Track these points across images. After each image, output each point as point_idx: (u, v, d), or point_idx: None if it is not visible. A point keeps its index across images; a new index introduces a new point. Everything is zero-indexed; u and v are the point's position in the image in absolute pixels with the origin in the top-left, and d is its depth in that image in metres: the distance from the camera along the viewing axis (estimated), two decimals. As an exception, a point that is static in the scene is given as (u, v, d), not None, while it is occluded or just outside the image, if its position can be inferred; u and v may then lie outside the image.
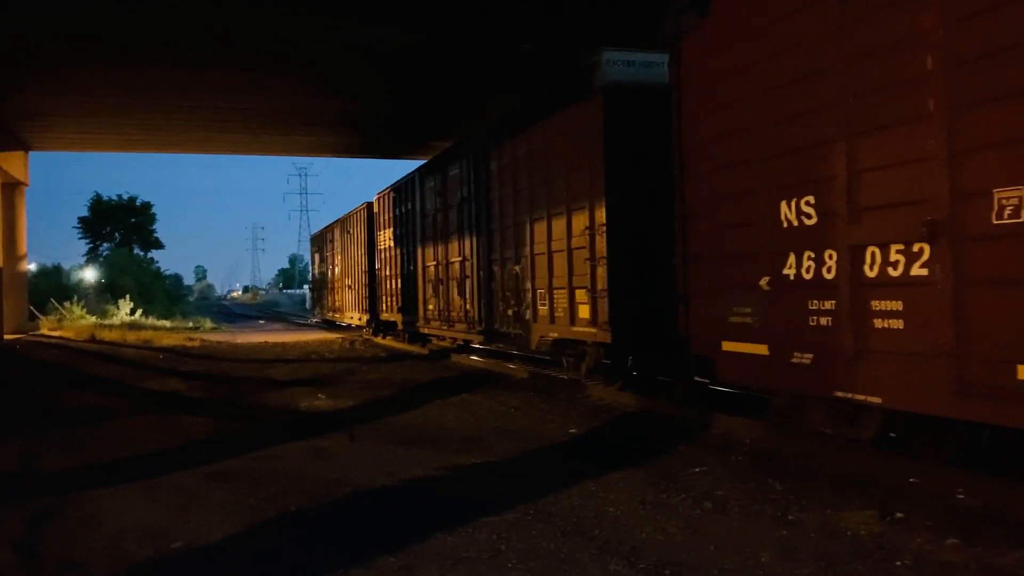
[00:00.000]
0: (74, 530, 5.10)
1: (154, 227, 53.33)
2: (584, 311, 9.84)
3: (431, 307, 16.46)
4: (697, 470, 6.18)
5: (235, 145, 26.86)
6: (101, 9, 12.13)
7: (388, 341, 21.12)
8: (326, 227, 30.53)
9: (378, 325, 22.17)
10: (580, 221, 9.85)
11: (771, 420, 7.22)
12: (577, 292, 10.04)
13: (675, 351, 7.98)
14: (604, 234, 9.28)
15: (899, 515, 4.85)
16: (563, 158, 10.38)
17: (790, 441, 6.84)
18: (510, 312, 12.24)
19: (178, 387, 12.52)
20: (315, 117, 20.88)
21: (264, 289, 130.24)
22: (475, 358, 15.59)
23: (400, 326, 19.49)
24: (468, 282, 14.12)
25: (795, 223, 6.16)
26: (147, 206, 52.78)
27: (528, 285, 11.44)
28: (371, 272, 22.07)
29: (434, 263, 16.05)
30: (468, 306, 14.16)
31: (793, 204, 6.16)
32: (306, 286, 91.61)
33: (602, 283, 9.35)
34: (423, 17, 12.97)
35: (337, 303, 27.92)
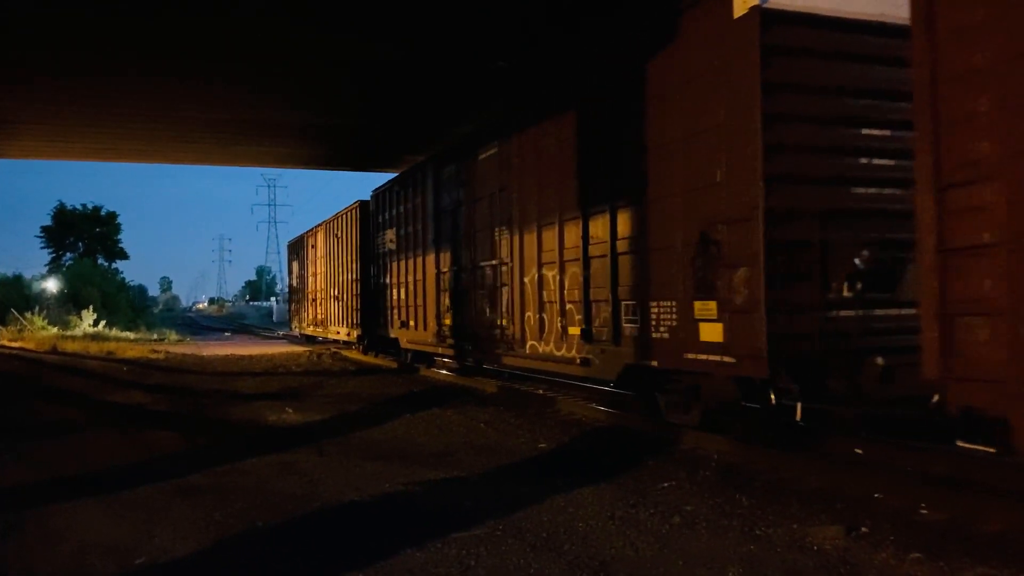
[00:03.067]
0: (35, 545, 5.01)
1: (119, 237, 52.88)
2: (711, 331, 7.15)
3: (447, 322, 13.75)
4: (666, 485, 6.22)
5: (204, 156, 26.59)
6: (72, 20, 12.01)
7: (357, 355, 20.97)
8: (307, 232, 27.61)
9: (372, 342, 19.65)
10: (706, 203, 7.14)
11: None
12: (698, 305, 7.31)
13: (881, 396, 6.28)
14: (758, 220, 6.53)
15: (864, 530, 4.92)
16: (674, 114, 7.66)
17: (757, 456, 6.91)
18: (574, 331, 9.46)
19: (143, 400, 12.33)
20: (287, 129, 20.75)
21: (230, 301, 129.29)
22: (445, 372, 15.54)
23: (404, 343, 16.58)
24: (506, 291, 11.43)
25: None
26: (112, 216, 52.32)
27: (607, 295, 8.75)
28: (364, 281, 19.67)
29: (453, 269, 13.41)
30: (503, 321, 11.55)
31: None
32: (274, 298, 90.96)
33: (748, 292, 6.66)
34: (409, 30, 12.92)
35: (319, 316, 25.19)
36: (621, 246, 8.56)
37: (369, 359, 19.61)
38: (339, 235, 22.33)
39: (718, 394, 7.53)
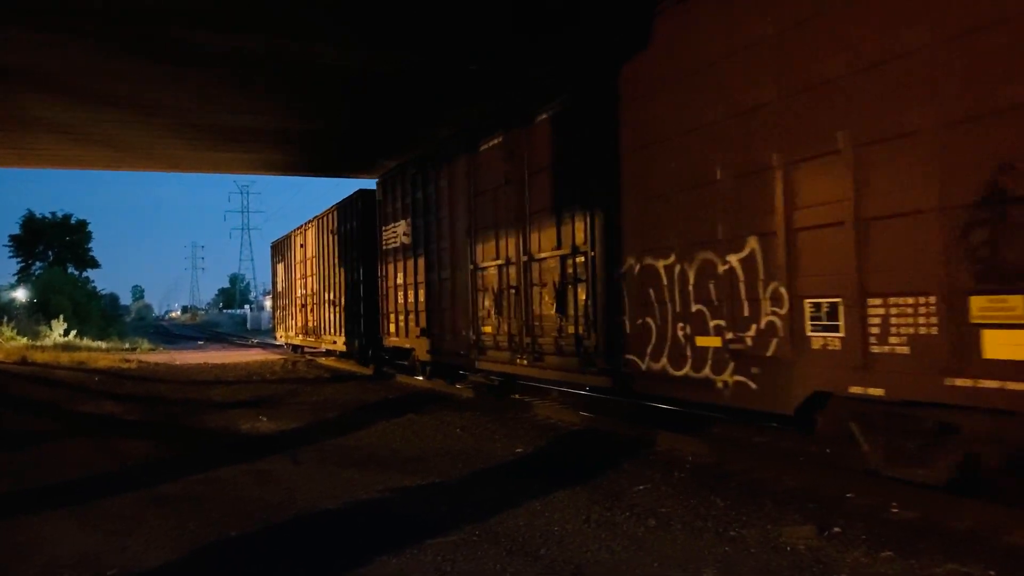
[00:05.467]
0: (3, 559, 4.93)
1: (90, 245, 52.27)
2: (1009, 343, 4.58)
3: (488, 329, 11.30)
4: (641, 487, 6.25)
5: (175, 162, 26.32)
6: (33, 18, 11.87)
7: (332, 362, 20.85)
8: (294, 230, 24.91)
9: (376, 352, 17.23)
10: (994, 140, 4.65)
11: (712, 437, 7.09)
12: (978, 303, 4.74)
13: None
14: None
15: (836, 529, 4.98)
16: (891, 17, 5.24)
17: (732, 458, 6.96)
18: (708, 342, 6.91)
19: (115, 410, 12.18)
20: (261, 135, 20.62)
21: (204, 309, 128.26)
22: (419, 378, 15.47)
23: (422, 356, 14.11)
24: (582, 289, 8.91)
25: None
26: (82, 224, 51.72)
27: (778, 290, 6.15)
28: (367, 282, 17.53)
29: (497, 263, 10.94)
30: (579, 329, 8.96)
31: None
32: (248, 306, 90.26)
33: None
34: (383, 36, 12.80)
35: (311, 324, 22.47)
36: (805, 218, 5.95)
37: (344, 366, 19.49)
38: (336, 231, 19.96)
39: (1005, 442, 4.92)
